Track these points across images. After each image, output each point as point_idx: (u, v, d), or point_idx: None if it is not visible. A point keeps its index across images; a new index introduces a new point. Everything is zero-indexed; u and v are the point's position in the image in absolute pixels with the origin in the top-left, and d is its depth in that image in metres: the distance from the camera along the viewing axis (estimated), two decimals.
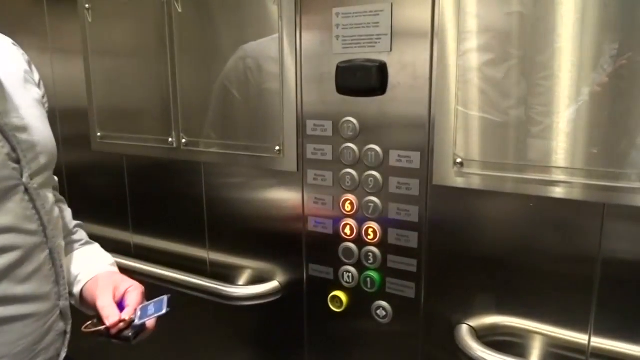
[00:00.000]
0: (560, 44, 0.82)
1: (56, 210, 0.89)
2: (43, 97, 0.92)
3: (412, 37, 0.95)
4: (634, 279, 0.84)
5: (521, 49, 0.85)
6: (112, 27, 1.36)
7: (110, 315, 0.83)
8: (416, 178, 1.00)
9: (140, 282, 0.92)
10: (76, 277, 0.94)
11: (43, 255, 0.81)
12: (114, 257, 1.41)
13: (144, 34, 1.29)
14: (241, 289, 1.25)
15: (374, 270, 1.08)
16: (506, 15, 0.86)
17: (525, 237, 0.92)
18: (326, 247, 1.13)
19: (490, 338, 0.98)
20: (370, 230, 1.06)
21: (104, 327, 0.82)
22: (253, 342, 1.36)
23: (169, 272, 1.35)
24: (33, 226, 0.79)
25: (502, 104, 0.88)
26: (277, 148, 1.14)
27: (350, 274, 1.11)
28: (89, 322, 0.84)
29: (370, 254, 1.08)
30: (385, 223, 1.05)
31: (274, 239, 1.22)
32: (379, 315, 1.09)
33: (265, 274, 1.25)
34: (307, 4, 1.06)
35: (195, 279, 1.30)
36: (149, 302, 0.86)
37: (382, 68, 0.98)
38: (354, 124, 1.04)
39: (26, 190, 0.78)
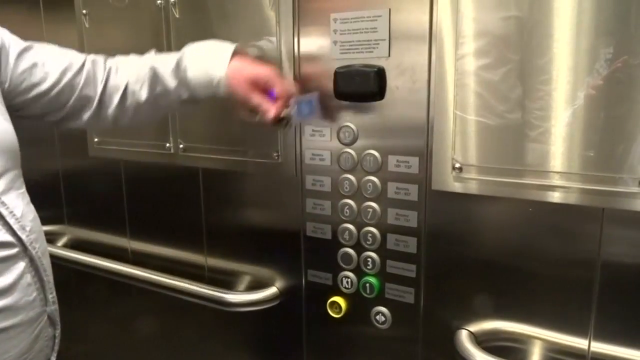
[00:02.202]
0: (557, 48, 0.82)
1: (31, 214, 0.81)
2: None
3: (410, 42, 0.96)
4: (633, 282, 0.84)
5: (518, 53, 0.86)
6: (109, 32, 1.36)
7: (268, 111, 0.93)
8: (415, 183, 1.00)
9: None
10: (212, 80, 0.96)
11: (22, 265, 0.77)
12: (110, 262, 1.41)
13: (141, 39, 1.29)
14: (239, 295, 1.24)
15: (373, 275, 1.08)
16: (503, 20, 0.86)
17: (524, 242, 0.92)
18: (325, 252, 1.12)
19: (490, 343, 0.97)
20: (369, 236, 1.06)
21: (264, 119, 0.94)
22: (251, 348, 1.35)
23: (166, 278, 1.33)
24: (4, 237, 0.74)
25: (499, 108, 0.88)
26: (276, 153, 1.14)
27: (349, 280, 1.10)
28: (248, 114, 0.97)
29: (369, 259, 1.07)
30: (384, 228, 1.05)
31: (272, 245, 1.22)
32: (378, 321, 1.09)
33: (264, 280, 1.25)
34: (304, 9, 1.06)
35: (193, 285, 1.29)
36: (302, 98, 0.96)
37: (380, 73, 0.98)
38: (352, 129, 1.04)
39: None
